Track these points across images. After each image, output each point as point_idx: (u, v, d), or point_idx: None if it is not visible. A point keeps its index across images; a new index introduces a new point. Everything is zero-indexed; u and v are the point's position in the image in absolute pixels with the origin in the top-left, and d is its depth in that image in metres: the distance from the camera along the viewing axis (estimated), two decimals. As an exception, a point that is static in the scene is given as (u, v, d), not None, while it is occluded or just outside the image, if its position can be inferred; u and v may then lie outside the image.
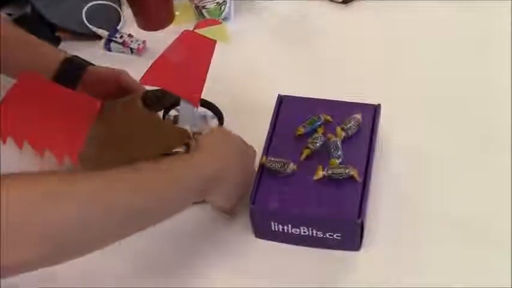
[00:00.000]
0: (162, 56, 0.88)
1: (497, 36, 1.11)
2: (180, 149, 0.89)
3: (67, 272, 0.80)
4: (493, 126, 0.99)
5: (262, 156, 0.90)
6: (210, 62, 0.90)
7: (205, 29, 0.88)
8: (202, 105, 0.96)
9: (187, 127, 0.88)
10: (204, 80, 0.88)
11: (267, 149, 0.92)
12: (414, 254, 0.86)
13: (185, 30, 0.88)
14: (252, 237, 0.90)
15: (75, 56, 1.00)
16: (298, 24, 1.18)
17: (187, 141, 0.89)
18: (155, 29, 1.21)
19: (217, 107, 0.99)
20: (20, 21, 1.13)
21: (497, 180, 0.93)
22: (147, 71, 0.86)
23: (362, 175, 0.87)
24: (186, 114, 0.89)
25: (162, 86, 0.86)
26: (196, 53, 0.88)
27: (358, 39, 1.14)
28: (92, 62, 1.00)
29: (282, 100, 0.98)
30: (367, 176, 0.88)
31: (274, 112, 0.96)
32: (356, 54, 1.11)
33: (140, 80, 0.85)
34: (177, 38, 0.88)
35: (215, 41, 0.87)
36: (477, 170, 0.94)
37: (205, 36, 0.87)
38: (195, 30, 0.87)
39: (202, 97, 0.93)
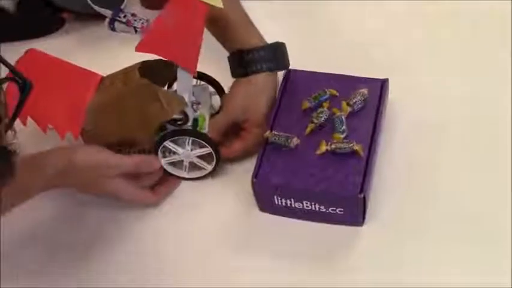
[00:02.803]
0: (155, 22, 0.86)
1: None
2: (178, 116, 0.89)
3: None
4: (503, 101, 0.97)
5: (267, 130, 0.90)
6: (203, 27, 0.87)
7: None
8: (202, 80, 0.96)
9: (185, 95, 0.88)
10: (199, 46, 0.86)
11: (273, 123, 0.91)
12: (418, 230, 0.86)
13: None
14: (256, 210, 0.90)
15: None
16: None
17: (183, 109, 0.88)
18: (159, 8, 1.20)
19: (218, 82, 0.97)
20: (23, 3, 1.13)
21: (507, 156, 0.91)
22: (142, 38, 0.84)
23: (366, 150, 0.87)
24: (183, 82, 0.88)
25: (157, 53, 0.84)
26: (189, 17, 0.86)
27: (365, 12, 1.12)
28: (97, 42, 0.98)
29: (289, 74, 0.97)
30: (371, 151, 0.87)
31: (281, 86, 0.96)
32: (363, 27, 1.09)
33: (135, 48, 0.83)
34: (169, 3, 0.87)
35: (207, 5, 0.86)
36: (486, 146, 0.93)
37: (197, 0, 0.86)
38: None
39: (205, 72, 0.92)
